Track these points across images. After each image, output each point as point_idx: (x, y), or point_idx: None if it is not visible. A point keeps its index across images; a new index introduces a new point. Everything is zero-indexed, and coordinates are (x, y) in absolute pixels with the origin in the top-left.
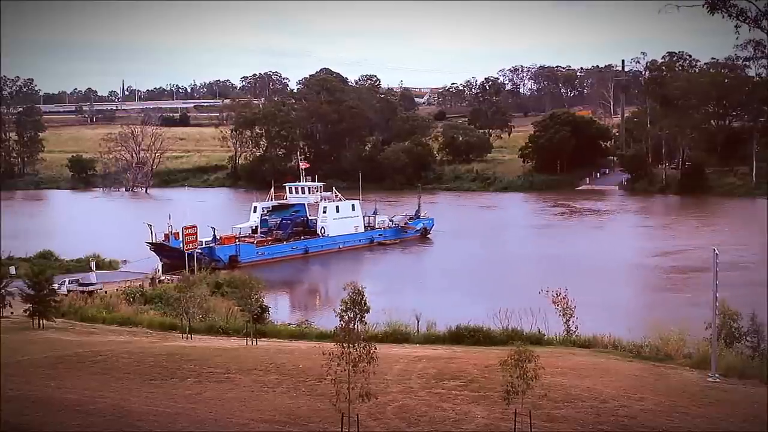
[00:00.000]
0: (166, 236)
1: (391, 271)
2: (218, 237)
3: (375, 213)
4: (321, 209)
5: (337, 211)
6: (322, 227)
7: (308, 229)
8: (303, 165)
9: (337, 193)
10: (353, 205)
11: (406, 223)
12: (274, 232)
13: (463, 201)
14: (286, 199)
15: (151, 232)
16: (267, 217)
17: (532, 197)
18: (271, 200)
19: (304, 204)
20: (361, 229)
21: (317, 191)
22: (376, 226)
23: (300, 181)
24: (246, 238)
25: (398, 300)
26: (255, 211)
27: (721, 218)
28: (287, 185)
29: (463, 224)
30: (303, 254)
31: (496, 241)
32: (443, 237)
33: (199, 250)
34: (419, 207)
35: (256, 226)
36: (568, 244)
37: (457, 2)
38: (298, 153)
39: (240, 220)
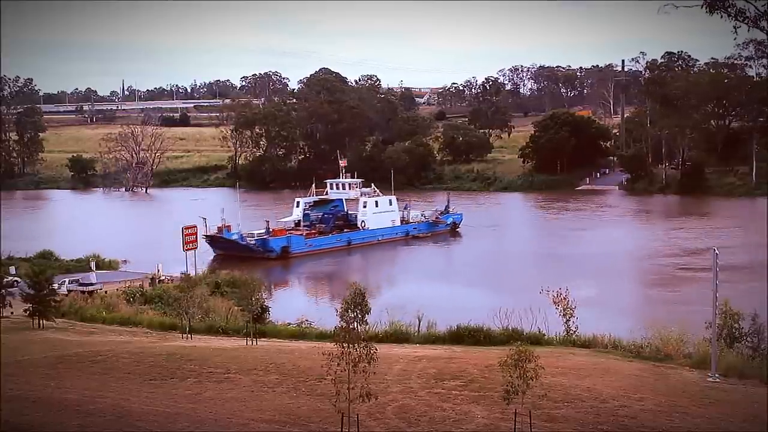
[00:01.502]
0: (219, 229)
1: (427, 263)
2: (271, 229)
3: (406, 208)
4: (361, 204)
5: (376, 206)
6: (363, 221)
7: (348, 222)
8: (342, 163)
9: (376, 189)
10: (390, 201)
11: (437, 218)
12: (317, 225)
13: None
14: (327, 194)
15: (206, 226)
16: (309, 212)
17: (533, 197)
18: (312, 196)
19: (342, 199)
20: (398, 223)
21: (357, 187)
22: (410, 220)
23: (340, 178)
24: (294, 231)
25: (431, 291)
26: (298, 206)
27: (722, 218)
28: (328, 181)
29: (482, 220)
30: (346, 246)
31: (520, 236)
32: (471, 231)
33: (254, 242)
34: (448, 203)
35: (299, 220)
36: (582, 240)
37: (457, 2)
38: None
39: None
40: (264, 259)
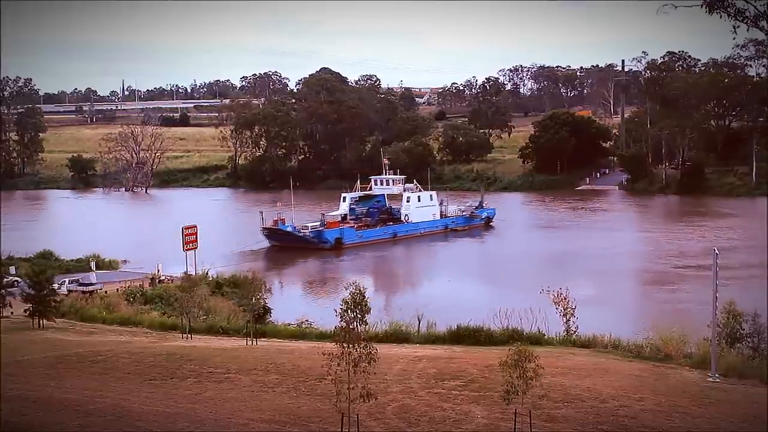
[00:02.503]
0: (275, 222)
1: (466, 254)
2: (325, 222)
3: (442, 203)
4: (405, 199)
5: (419, 201)
6: (406, 214)
7: (391, 216)
8: (385, 160)
9: (418, 185)
10: (431, 196)
11: (472, 213)
12: (363, 219)
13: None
14: (370, 190)
15: (262, 219)
16: (354, 206)
17: (535, 197)
18: (357, 191)
19: (383, 194)
20: (438, 217)
21: (400, 183)
22: (449, 215)
23: (384, 174)
24: (344, 224)
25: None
26: (344, 201)
27: (722, 218)
28: (372, 178)
29: (507, 217)
30: (392, 237)
31: (543, 233)
32: (503, 225)
33: (310, 233)
34: (482, 199)
35: (345, 214)
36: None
37: (457, 2)
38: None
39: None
40: (318, 249)
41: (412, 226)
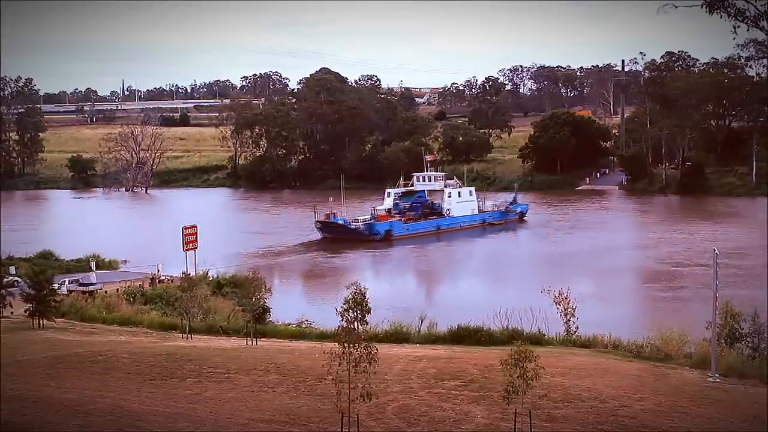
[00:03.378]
0: (327, 216)
1: (506, 246)
2: (376, 215)
3: (478, 199)
4: (446, 194)
5: (459, 196)
6: (448, 209)
7: (432, 210)
8: (429, 158)
9: (458, 181)
10: (470, 191)
11: (507, 207)
12: (407, 213)
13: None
14: (413, 186)
15: (315, 213)
16: (398, 201)
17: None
18: (400, 187)
19: (424, 190)
20: (476, 211)
21: (441, 179)
22: (485, 209)
23: (426, 171)
24: (392, 217)
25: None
26: (389, 196)
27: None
28: (415, 174)
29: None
30: (436, 230)
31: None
32: (535, 219)
33: (362, 226)
34: (516, 195)
35: (390, 209)
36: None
37: (457, 2)
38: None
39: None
40: (369, 240)
41: (453, 220)
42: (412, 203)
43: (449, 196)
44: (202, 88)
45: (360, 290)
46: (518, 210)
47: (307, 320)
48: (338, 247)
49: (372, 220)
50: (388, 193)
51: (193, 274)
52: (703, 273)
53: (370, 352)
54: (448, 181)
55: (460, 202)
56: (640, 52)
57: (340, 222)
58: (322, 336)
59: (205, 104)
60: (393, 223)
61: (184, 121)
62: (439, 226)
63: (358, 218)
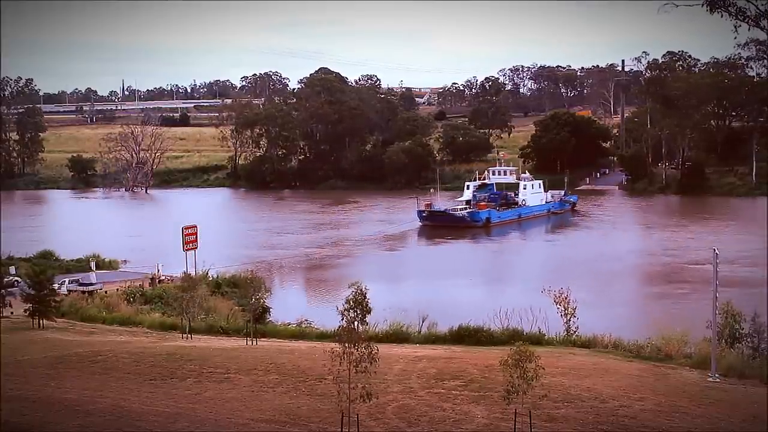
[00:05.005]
0: (427, 205)
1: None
2: (475, 204)
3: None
4: (522, 186)
5: (532, 188)
6: (524, 199)
7: (507, 201)
8: (502, 155)
9: (530, 175)
10: (540, 184)
11: (562, 198)
12: (486, 203)
13: None
14: (486, 179)
15: (417, 203)
16: (476, 193)
17: None
18: (476, 181)
19: (493, 183)
20: (544, 202)
21: (514, 173)
22: (549, 200)
23: (499, 165)
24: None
25: None
26: (468, 189)
27: (722, 217)
28: (490, 169)
29: None
30: (518, 218)
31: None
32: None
33: (464, 214)
34: (566, 187)
35: (469, 200)
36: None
37: (457, 2)
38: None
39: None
40: (470, 227)
41: (528, 210)
42: (490, 194)
43: (524, 188)
44: (202, 88)
45: (360, 290)
46: (571, 200)
47: (306, 320)
48: (439, 234)
49: (473, 208)
50: (467, 185)
51: (193, 273)
52: (703, 272)
53: (371, 352)
54: (523, 174)
55: (533, 193)
56: (643, 52)
57: (444, 210)
58: (322, 336)
59: (205, 104)
60: (490, 211)
61: (184, 121)
62: (520, 214)
63: (457, 207)
